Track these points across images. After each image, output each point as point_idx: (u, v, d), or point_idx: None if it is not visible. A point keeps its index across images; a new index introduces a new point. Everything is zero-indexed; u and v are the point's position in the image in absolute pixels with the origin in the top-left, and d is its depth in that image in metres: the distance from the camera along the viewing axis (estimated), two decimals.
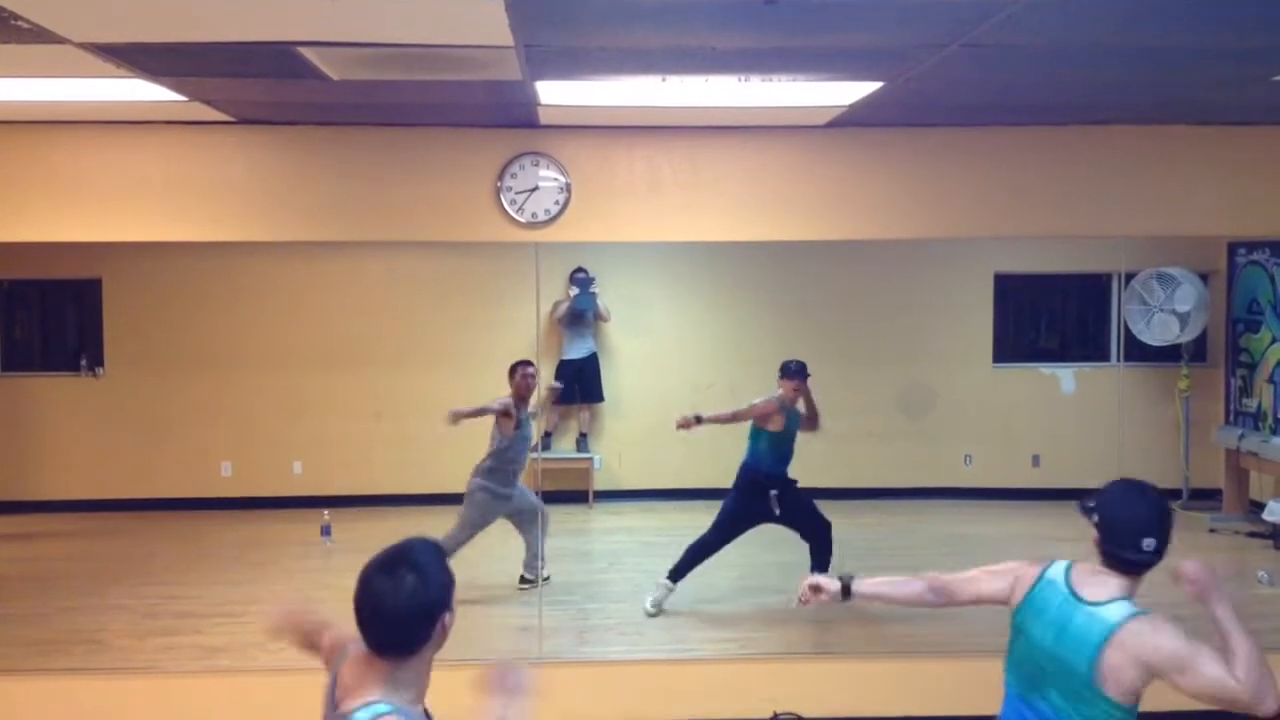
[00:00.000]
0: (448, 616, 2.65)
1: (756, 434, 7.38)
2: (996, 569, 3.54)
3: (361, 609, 2.57)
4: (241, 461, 10.13)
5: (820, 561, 7.22)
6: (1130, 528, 3.16)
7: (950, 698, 6.11)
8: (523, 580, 7.78)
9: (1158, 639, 3.05)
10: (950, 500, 10.12)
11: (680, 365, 10.27)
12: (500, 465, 7.55)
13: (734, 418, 7.37)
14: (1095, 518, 3.25)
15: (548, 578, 7.67)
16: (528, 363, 7.58)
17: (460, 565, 8.67)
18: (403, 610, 2.55)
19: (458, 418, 7.52)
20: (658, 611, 7.19)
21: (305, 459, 10.12)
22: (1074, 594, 3.21)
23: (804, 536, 7.37)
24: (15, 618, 7.00)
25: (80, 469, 10.04)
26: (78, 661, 6.31)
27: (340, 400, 10.11)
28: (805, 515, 7.34)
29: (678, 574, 7.30)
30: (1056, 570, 3.32)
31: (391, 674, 2.59)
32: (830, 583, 3.78)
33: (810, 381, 7.44)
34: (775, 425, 7.30)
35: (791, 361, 7.36)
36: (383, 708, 2.53)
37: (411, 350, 10.15)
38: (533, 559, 7.67)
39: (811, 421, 7.52)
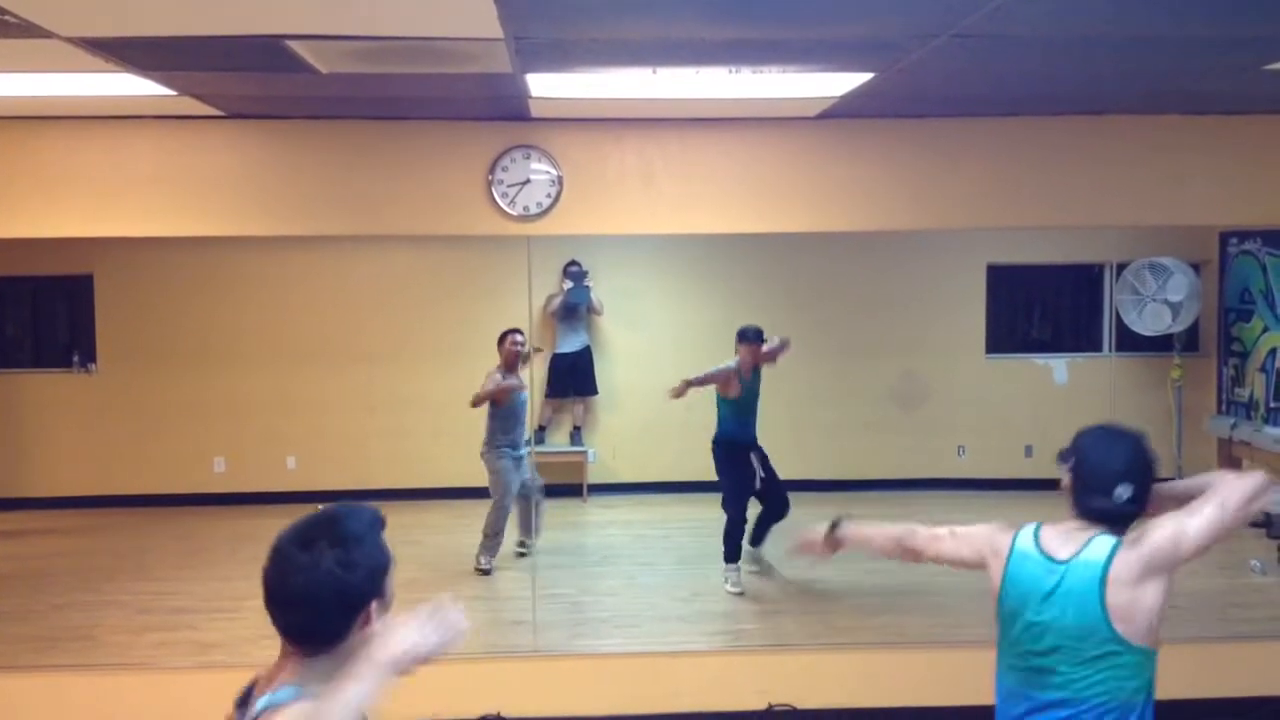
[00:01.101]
0: (375, 605, 2.19)
1: (721, 403, 7.76)
2: (964, 532, 3.43)
3: (269, 585, 2.17)
4: (235, 457, 10.12)
5: (763, 527, 7.77)
6: (1103, 472, 2.96)
7: (943, 688, 6.13)
8: (521, 545, 8.14)
9: (1145, 546, 2.88)
10: (943, 491, 10.12)
11: (674, 358, 10.22)
12: (507, 428, 7.92)
13: (707, 379, 7.74)
14: (1070, 461, 3.07)
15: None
16: (516, 331, 8.00)
17: (456, 559, 8.71)
18: (316, 593, 2.11)
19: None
20: (742, 591, 7.47)
21: (299, 454, 10.11)
22: (1050, 559, 3.03)
23: (763, 503, 7.77)
24: (9, 614, 6.99)
25: (73, 465, 10.02)
26: (72, 658, 6.31)
27: (333, 395, 10.10)
28: (774, 485, 7.75)
29: (732, 557, 7.59)
30: (1025, 538, 3.15)
31: (304, 665, 2.18)
32: (819, 529, 3.72)
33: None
34: (734, 392, 7.69)
35: (748, 328, 7.73)
36: (284, 693, 2.13)
37: (404, 344, 10.14)
38: (528, 528, 7.98)
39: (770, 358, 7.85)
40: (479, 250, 9.78)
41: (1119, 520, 2.95)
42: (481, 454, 8.06)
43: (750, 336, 7.70)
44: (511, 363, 7.94)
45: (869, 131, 6.19)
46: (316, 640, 2.17)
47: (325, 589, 2.12)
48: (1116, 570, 2.88)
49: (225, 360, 10.06)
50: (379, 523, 2.28)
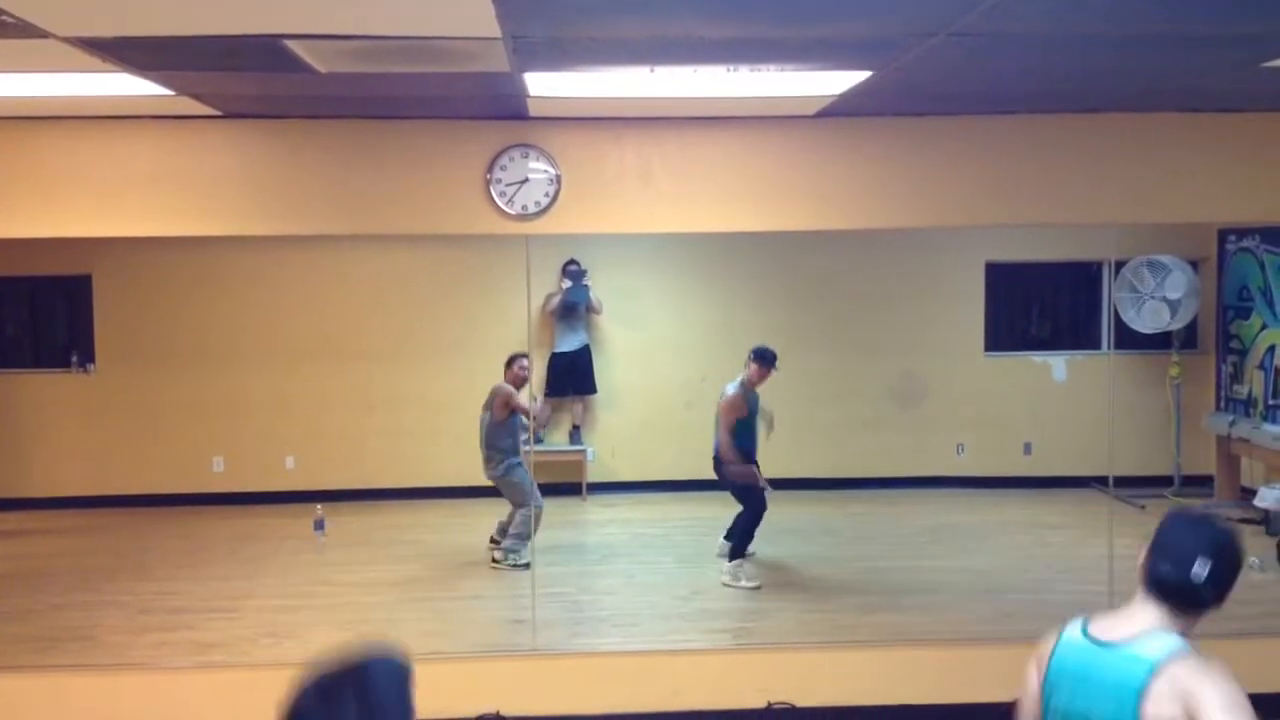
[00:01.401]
0: None
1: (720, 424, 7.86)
2: (1027, 674, 2.86)
3: None
4: (233, 456, 10.12)
5: (732, 530, 7.86)
6: (1181, 545, 2.53)
7: (944, 686, 6.14)
8: (492, 541, 8.17)
9: (1193, 694, 2.40)
10: (942, 489, 10.15)
11: (673, 357, 10.28)
12: (513, 436, 8.01)
13: (729, 432, 7.77)
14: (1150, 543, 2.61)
15: (527, 565, 7.76)
16: (523, 355, 8.11)
17: (455, 558, 8.73)
18: None
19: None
20: (759, 585, 7.53)
21: (297, 453, 10.11)
22: (1095, 640, 2.60)
23: (741, 502, 7.86)
24: (8, 614, 6.99)
25: (72, 465, 10.02)
26: (71, 658, 6.31)
27: (332, 394, 10.10)
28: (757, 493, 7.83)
29: (741, 552, 7.73)
30: (1072, 627, 2.71)
31: None
32: None
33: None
34: (740, 413, 7.80)
35: (767, 350, 7.83)
36: None
37: (403, 344, 10.14)
38: (516, 539, 7.96)
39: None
40: (477, 250, 9.79)
41: (1188, 602, 2.52)
42: (495, 468, 7.98)
43: (768, 359, 7.82)
44: (518, 385, 8.02)
45: (867, 130, 6.19)
46: None
47: None
48: (1159, 688, 2.42)
49: (224, 360, 10.06)
50: (407, 675, 1.97)
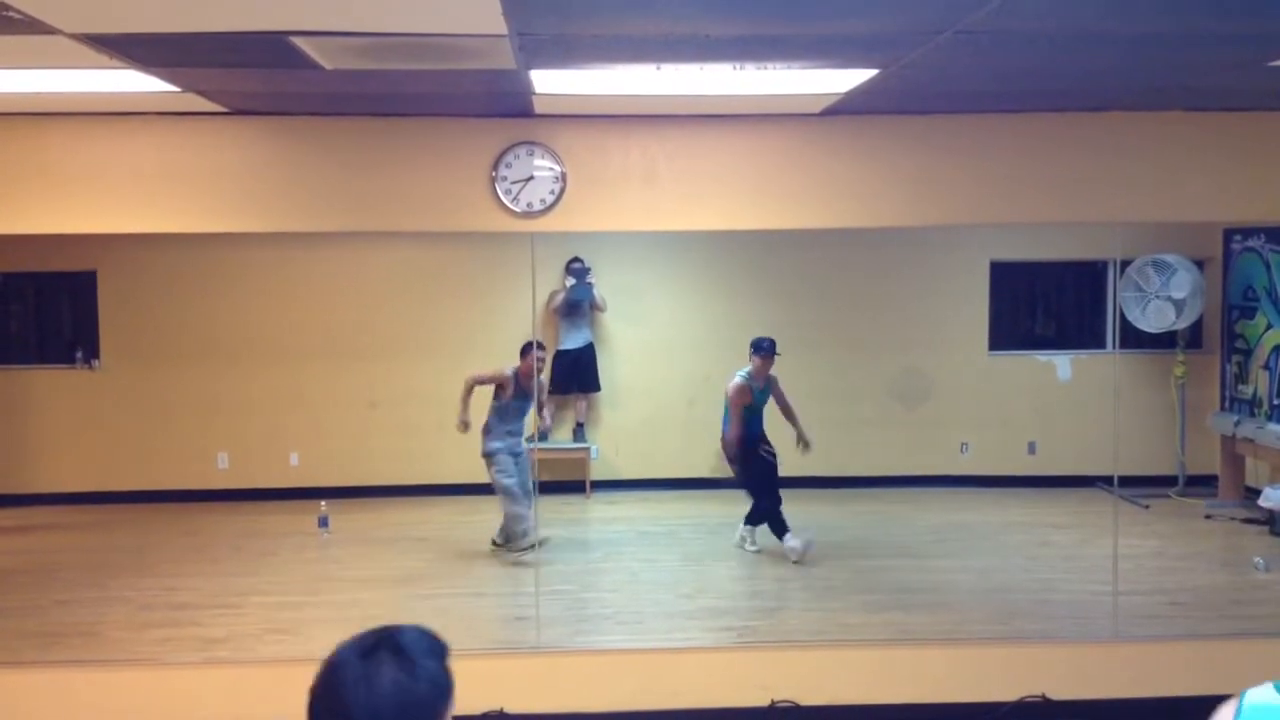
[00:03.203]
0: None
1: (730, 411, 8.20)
2: None
3: (320, 703, 1.81)
4: (238, 453, 10.13)
5: (753, 516, 8.25)
6: None
7: (946, 685, 6.14)
8: (493, 544, 8.23)
9: None
10: (946, 488, 10.14)
11: (677, 355, 10.28)
12: (505, 418, 8.09)
13: (736, 402, 8.15)
14: None
15: (532, 545, 7.91)
16: (540, 345, 8.19)
17: (460, 555, 8.74)
18: (379, 705, 1.78)
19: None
20: (806, 547, 7.97)
21: (302, 450, 10.12)
22: None
23: (752, 495, 8.22)
24: (13, 610, 7.00)
25: (76, 461, 10.04)
26: (76, 653, 6.32)
27: (337, 391, 10.11)
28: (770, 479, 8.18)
29: (781, 530, 8.06)
30: (1258, 693, 2.22)
31: None
32: None
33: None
34: (746, 400, 8.14)
35: (764, 339, 8.16)
36: None
37: (407, 341, 10.15)
38: (514, 533, 8.05)
39: (786, 411, 8.34)
40: (482, 247, 9.79)
41: None
42: (482, 451, 8.12)
43: (763, 348, 8.12)
44: (528, 373, 8.07)
45: (873, 128, 6.19)
46: None
47: (388, 700, 1.78)
48: None
49: (229, 356, 10.07)
50: (442, 648, 1.95)
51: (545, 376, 9.44)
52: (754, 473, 8.19)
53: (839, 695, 6.10)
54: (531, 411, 8.26)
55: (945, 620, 6.82)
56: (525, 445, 8.28)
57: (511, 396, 8.07)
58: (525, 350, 8.13)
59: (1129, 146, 6.24)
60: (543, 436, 9.17)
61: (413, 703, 1.81)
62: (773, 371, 8.22)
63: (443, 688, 1.89)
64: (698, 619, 6.94)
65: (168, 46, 4.36)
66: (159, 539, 8.85)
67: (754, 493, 8.23)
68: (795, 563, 7.88)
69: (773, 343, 8.17)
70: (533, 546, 7.85)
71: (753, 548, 8.21)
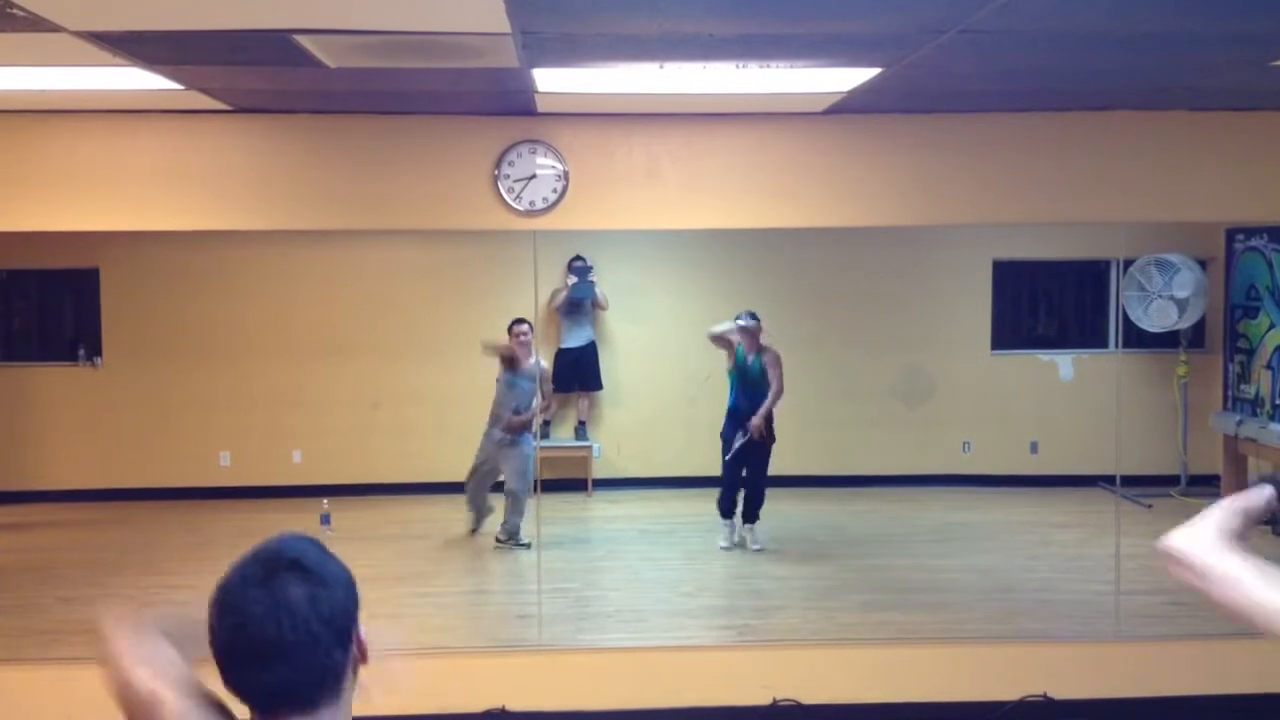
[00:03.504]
0: (360, 630, 1.72)
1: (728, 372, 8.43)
2: None
3: (227, 643, 1.65)
4: (240, 451, 10.13)
5: (748, 512, 8.34)
6: None
7: (947, 684, 6.14)
8: (496, 541, 8.35)
9: None
10: (948, 487, 10.13)
11: (679, 353, 10.27)
12: (499, 404, 8.36)
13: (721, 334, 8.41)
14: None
15: (528, 544, 8.11)
16: (520, 320, 8.35)
17: (462, 554, 8.73)
18: (303, 629, 1.60)
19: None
20: (731, 546, 8.29)
21: (304, 448, 10.12)
22: None
23: (746, 486, 8.33)
24: (14, 608, 7.00)
25: (79, 459, 10.04)
26: (77, 651, 6.30)
27: (339, 389, 10.11)
28: (757, 466, 8.22)
29: (728, 513, 8.32)
30: None
31: None
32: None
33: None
34: (729, 355, 8.32)
35: (741, 313, 8.24)
36: None
37: (410, 339, 10.14)
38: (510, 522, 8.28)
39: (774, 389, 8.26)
40: (484, 245, 9.78)
41: None
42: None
43: (739, 319, 8.20)
44: (514, 350, 8.27)
45: (876, 127, 6.19)
46: (313, 698, 1.62)
47: (312, 618, 1.61)
48: None
49: (231, 354, 10.07)
50: (323, 547, 1.76)
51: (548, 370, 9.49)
52: (725, 436, 8.30)
53: (841, 694, 6.10)
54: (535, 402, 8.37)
55: (947, 619, 6.82)
56: (527, 438, 8.33)
57: (507, 372, 8.33)
58: (510, 326, 8.34)
59: (1132, 146, 6.23)
60: (544, 434, 9.20)
61: (337, 612, 1.65)
62: (772, 349, 8.22)
63: (352, 585, 1.73)
64: (699, 617, 6.95)
65: (171, 44, 4.36)
66: (161, 536, 8.86)
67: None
68: (723, 548, 8.21)
69: (749, 314, 8.18)
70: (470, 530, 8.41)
71: (755, 546, 8.22)
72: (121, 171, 6.04)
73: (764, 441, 8.17)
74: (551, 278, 9.89)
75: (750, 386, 8.23)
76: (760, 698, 6.08)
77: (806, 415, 9.48)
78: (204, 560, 8.11)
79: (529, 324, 8.32)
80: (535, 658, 6.27)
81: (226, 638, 1.65)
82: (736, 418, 8.23)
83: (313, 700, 1.62)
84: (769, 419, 8.15)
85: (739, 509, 8.33)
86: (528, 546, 8.03)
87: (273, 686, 1.61)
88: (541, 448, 8.79)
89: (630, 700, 6.07)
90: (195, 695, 1.84)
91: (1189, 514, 2.30)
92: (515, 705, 5.98)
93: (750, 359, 8.21)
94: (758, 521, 8.27)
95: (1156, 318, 9.53)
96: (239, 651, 1.63)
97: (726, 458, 8.26)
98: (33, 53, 4.46)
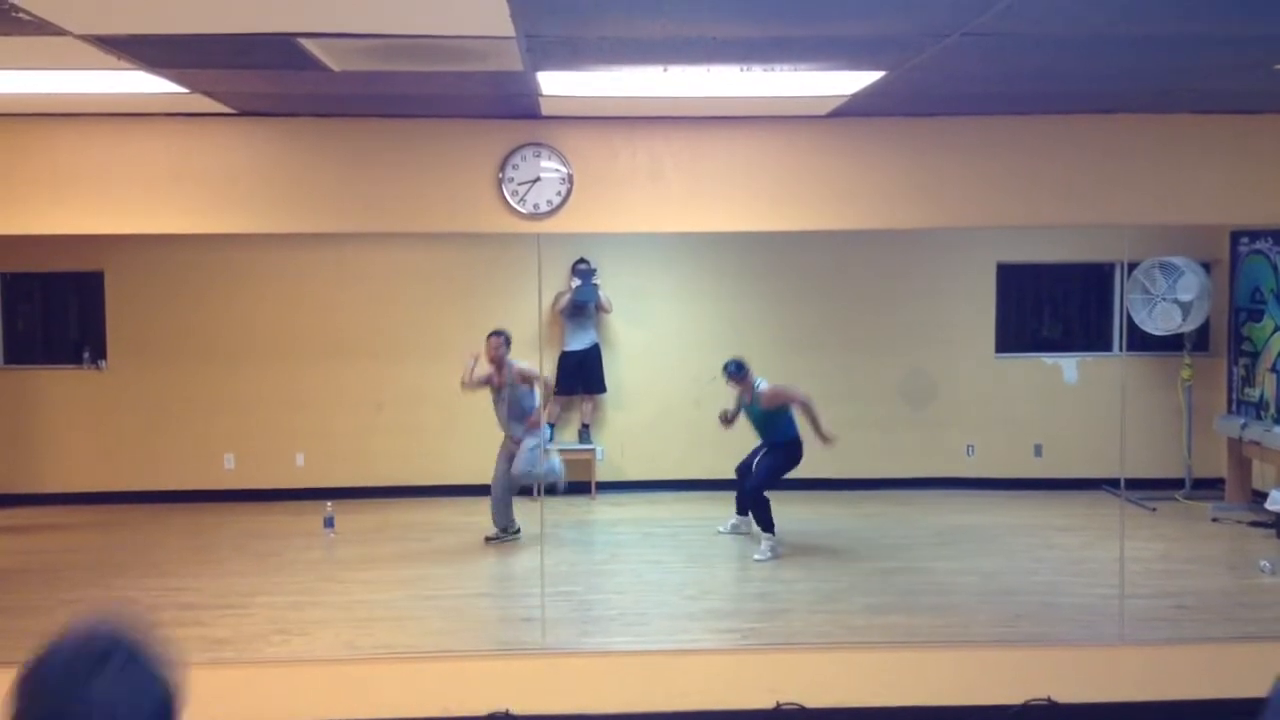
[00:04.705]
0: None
1: None
2: None
3: None
4: (244, 453, 10.14)
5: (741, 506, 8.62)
6: None
7: (951, 688, 6.14)
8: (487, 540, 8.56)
9: None
10: (952, 490, 10.12)
11: (682, 356, 10.27)
12: (498, 414, 8.58)
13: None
14: None
15: (517, 532, 8.49)
16: (495, 333, 8.50)
17: (465, 556, 8.73)
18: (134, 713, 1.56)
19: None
20: (732, 528, 8.60)
21: (308, 451, 10.13)
22: None
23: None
24: (18, 610, 7.01)
25: (83, 461, 10.05)
26: None
27: (343, 392, 10.11)
28: (758, 475, 8.32)
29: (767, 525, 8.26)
30: None
31: None
32: None
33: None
34: (742, 406, 8.48)
35: (727, 363, 8.35)
36: None
37: (413, 342, 10.15)
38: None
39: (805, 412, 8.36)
40: (488, 248, 9.79)
41: None
42: None
43: (726, 369, 8.33)
44: (490, 359, 8.44)
45: (880, 130, 6.19)
46: None
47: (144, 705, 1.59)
48: None
49: (235, 357, 10.08)
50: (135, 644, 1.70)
51: (550, 375, 9.49)
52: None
53: (844, 698, 6.10)
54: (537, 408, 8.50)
55: (951, 623, 6.81)
56: (526, 438, 8.44)
57: (494, 390, 8.51)
58: (488, 337, 8.49)
59: (1136, 149, 6.23)
60: (549, 436, 9.23)
61: (166, 694, 1.61)
62: (763, 388, 8.29)
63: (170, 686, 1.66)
64: (703, 620, 6.94)
65: (175, 48, 4.37)
66: (165, 539, 8.87)
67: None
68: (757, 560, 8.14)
69: (735, 365, 8.30)
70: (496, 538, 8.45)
71: (756, 557, 8.14)
72: (126, 175, 6.05)
73: (782, 450, 8.36)
74: (555, 281, 9.89)
75: (758, 427, 8.43)
76: (764, 701, 6.07)
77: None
78: (207, 563, 8.12)
79: (504, 335, 8.46)
80: (539, 661, 6.27)
81: None
82: (757, 451, 8.50)
83: None
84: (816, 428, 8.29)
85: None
86: (518, 534, 8.44)
87: None
88: (545, 451, 8.79)
89: (634, 704, 6.07)
90: None
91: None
92: (519, 708, 5.98)
93: (748, 402, 8.35)
94: (753, 524, 8.32)
95: (1161, 321, 9.52)
96: None
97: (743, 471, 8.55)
98: (37, 56, 4.46)
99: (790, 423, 8.32)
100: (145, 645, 1.70)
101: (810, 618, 7.01)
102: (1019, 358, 10.48)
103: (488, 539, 8.51)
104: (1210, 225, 9.38)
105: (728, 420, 8.49)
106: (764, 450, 8.37)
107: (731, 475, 8.66)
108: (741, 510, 8.58)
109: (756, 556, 8.08)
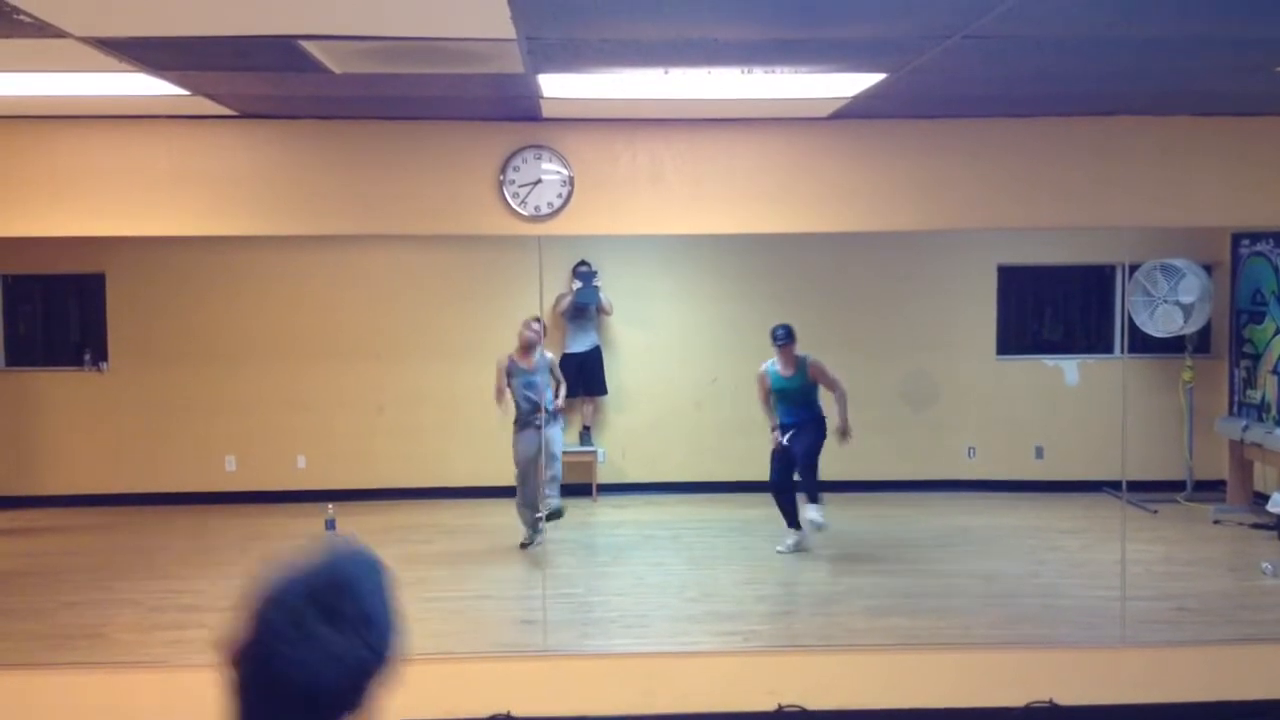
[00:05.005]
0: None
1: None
2: None
3: (256, 679, 1.57)
4: (245, 455, 10.14)
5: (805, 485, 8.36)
6: None
7: (952, 690, 6.13)
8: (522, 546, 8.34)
9: None
10: (953, 492, 10.12)
11: (683, 358, 10.27)
12: (517, 402, 8.29)
13: (764, 403, 8.44)
14: None
15: (546, 516, 8.09)
16: (533, 319, 8.29)
17: (468, 558, 8.73)
18: (334, 676, 1.54)
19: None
20: (794, 545, 8.25)
21: (309, 453, 10.13)
22: None
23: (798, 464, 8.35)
24: (20, 612, 7.01)
25: (84, 464, 10.05)
26: (82, 656, 6.32)
27: (344, 394, 10.11)
28: (803, 453, 8.24)
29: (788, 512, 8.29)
30: None
31: None
32: None
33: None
34: (765, 387, 8.37)
35: (776, 327, 8.25)
36: None
37: (414, 344, 10.15)
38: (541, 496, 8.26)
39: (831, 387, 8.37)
40: (490, 250, 9.79)
41: None
42: None
43: (776, 336, 8.20)
44: (522, 344, 8.25)
45: (881, 132, 6.19)
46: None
47: (344, 669, 1.54)
48: None
49: (236, 359, 10.08)
50: (382, 571, 1.68)
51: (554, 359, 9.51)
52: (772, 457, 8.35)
53: (846, 700, 6.09)
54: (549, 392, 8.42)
55: (952, 625, 6.81)
56: (545, 422, 8.31)
57: (519, 374, 8.30)
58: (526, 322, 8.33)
59: (1137, 151, 6.23)
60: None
61: (372, 656, 1.57)
62: (812, 359, 8.25)
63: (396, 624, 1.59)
64: (704, 623, 6.94)
65: (177, 50, 4.37)
66: (166, 541, 8.87)
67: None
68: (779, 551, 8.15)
69: (785, 330, 8.19)
70: (531, 542, 8.18)
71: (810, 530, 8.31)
72: (127, 177, 6.05)
73: (813, 427, 8.30)
74: (556, 283, 9.90)
75: (791, 401, 8.30)
76: (765, 703, 6.07)
77: None
78: (209, 565, 8.12)
79: (542, 321, 8.36)
80: (540, 663, 6.27)
81: (246, 666, 1.58)
82: (784, 429, 8.31)
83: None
84: (842, 419, 8.27)
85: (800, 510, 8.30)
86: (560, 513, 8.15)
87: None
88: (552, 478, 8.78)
89: (635, 706, 6.06)
90: None
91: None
92: (520, 710, 5.98)
93: (788, 374, 8.24)
94: (820, 502, 8.30)
95: (1162, 323, 9.51)
96: (251, 686, 1.57)
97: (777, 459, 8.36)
98: (39, 58, 4.47)
99: (818, 401, 8.36)
100: (383, 595, 1.63)
101: (811, 620, 7.01)
102: (1020, 359, 10.48)
103: (523, 545, 8.32)
104: (1211, 227, 9.38)
105: (769, 406, 8.36)
106: (795, 431, 8.24)
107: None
108: (792, 522, 8.30)
109: (813, 517, 8.21)
